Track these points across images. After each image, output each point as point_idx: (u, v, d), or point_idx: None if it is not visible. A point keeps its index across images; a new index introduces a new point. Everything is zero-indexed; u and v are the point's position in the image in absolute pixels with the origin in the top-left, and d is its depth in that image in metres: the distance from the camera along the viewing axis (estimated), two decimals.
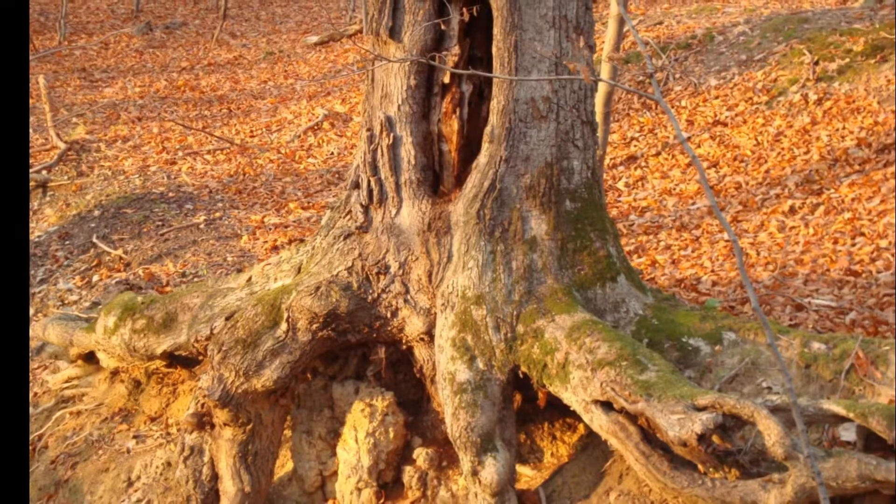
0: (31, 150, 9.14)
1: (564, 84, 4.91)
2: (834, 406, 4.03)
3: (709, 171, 7.54)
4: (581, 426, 4.95)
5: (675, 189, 7.37)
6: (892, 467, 3.87)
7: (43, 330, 6.58)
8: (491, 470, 4.62)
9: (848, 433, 4.11)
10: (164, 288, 7.10)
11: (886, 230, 6.22)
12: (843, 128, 7.44)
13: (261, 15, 13.54)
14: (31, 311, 7.43)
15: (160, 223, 8.03)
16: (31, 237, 8.13)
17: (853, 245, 6.17)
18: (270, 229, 7.62)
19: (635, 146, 7.96)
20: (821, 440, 4.26)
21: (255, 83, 11.13)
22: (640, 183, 7.55)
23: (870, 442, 4.00)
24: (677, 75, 8.90)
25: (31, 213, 8.34)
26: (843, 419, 4.00)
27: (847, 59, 7.99)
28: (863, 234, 6.28)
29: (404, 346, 5.25)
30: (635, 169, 7.69)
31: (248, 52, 12.06)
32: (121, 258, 7.54)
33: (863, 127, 7.39)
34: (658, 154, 7.86)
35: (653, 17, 10.57)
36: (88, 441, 6.17)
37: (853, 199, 6.68)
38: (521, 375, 4.83)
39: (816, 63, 8.13)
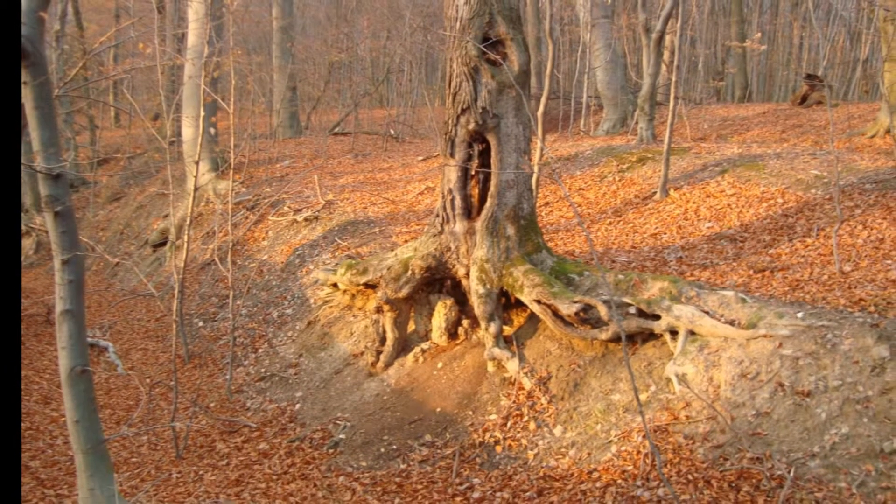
0: (308, 203, 9.42)
1: (521, 173, 4.96)
2: (626, 299, 4.24)
3: (578, 206, 7.64)
4: (528, 311, 4.96)
5: (564, 215, 7.40)
6: (651, 323, 4.09)
7: (317, 273, 6.63)
8: (493, 328, 4.73)
9: (632, 308, 4.23)
10: (364, 257, 7.19)
11: (647, 231, 6.32)
12: (629, 190, 7.48)
13: (400, 149, 13.52)
14: (313, 267, 7.39)
15: (360, 230, 8.03)
16: (311, 238, 8.26)
17: (635, 236, 6.24)
18: (404, 233, 7.69)
19: (548, 198, 8.05)
20: (622, 313, 4.45)
21: (397, 175, 11.25)
22: (550, 213, 7.63)
23: (641, 312, 4.15)
24: (563, 169, 8.94)
25: (312, 229, 8.65)
26: (630, 304, 4.18)
27: (630, 163, 8.01)
28: (637, 232, 6.33)
29: (457, 280, 5.26)
30: (548, 208, 7.83)
31: (396, 163, 12.13)
32: (346, 246, 7.62)
33: (637, 190, 7.44)
34: (557, 201, 7.99)
35: (554, 147, 10.46)
36: (335, 317, 6.16)
37: (634, 219, 6.69)
38: (505, 290, 4.87)
39: (618, 164, 8.19)
